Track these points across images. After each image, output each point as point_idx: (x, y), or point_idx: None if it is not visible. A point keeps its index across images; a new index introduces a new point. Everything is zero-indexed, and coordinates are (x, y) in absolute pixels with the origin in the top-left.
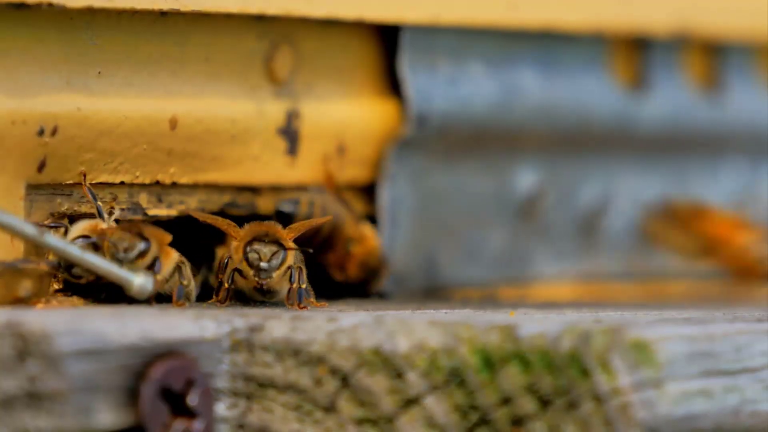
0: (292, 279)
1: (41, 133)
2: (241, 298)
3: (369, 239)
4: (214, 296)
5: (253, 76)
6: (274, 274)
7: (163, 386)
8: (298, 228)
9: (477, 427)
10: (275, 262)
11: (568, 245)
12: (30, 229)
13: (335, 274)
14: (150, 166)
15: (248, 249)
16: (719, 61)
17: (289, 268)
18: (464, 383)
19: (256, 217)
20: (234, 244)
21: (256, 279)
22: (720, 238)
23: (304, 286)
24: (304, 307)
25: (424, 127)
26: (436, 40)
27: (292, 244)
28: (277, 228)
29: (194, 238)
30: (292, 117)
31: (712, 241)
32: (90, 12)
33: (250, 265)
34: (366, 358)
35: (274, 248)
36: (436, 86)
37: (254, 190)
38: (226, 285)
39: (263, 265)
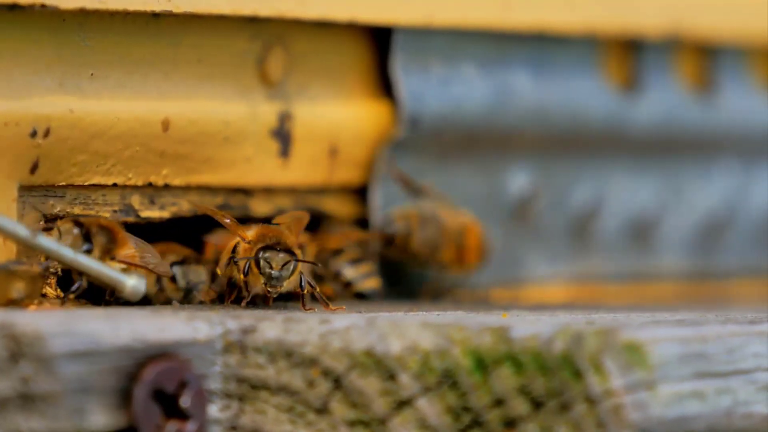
0: (303, 285)
1: (34, 134)
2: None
3: (472, 225)
4: (226, 298)
5: (245, 77)
6: (285, 283)
7: (156, 388)
8: (297, 231)
9: (470, 428)
10: (286, 272)
11: (561, 247)
12: (22, 231)
13: (453, 269)
14: (142, 168)
15: (260, 256)
16: (712, 62)
17: (300, 274)
18: (457, 385)
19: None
20: (244, 246)
21: (267, 287)
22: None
23: (317, 290)
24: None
25: (416, 129)
26: (428, 42)
27: (299, 253)
28: (286, 234)
29: (187, 240)
30: (284, 119)
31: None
32: (83, 13)
33: (262, 272)
34: (358, 360)
35: (286, 257)
36: (428, 88)
37: (247, 191)
38: (240, 287)
39: (275, 273)
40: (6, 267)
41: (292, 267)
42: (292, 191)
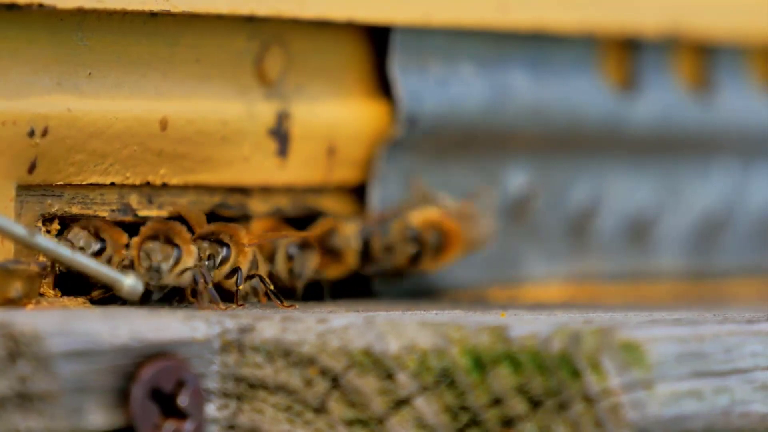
0: (197, 280)
1: (32, 134)
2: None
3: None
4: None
5: (243, 77)
6: (165, 276)
7: (154, 387)
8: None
9: (467, 428)
10: (167, 264)
11: (559, 246)
12: (20, 230)
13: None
14: (140, 168)
15: (141, 248)
16: (710, 62)
17: (191, 269)
18: (454, 384)
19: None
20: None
21: (147, 278)
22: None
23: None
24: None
25: (414, 128)
26: (426, 41)
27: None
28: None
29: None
30: (282, 118)
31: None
32: (80, 13)
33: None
34: (356, 359)
35: (167, 249)
36: (426, 87)
37: (245, 191)
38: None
39: (153, 265)
40: (4, 266)
41: (172, 260)
42: (290, 190)
